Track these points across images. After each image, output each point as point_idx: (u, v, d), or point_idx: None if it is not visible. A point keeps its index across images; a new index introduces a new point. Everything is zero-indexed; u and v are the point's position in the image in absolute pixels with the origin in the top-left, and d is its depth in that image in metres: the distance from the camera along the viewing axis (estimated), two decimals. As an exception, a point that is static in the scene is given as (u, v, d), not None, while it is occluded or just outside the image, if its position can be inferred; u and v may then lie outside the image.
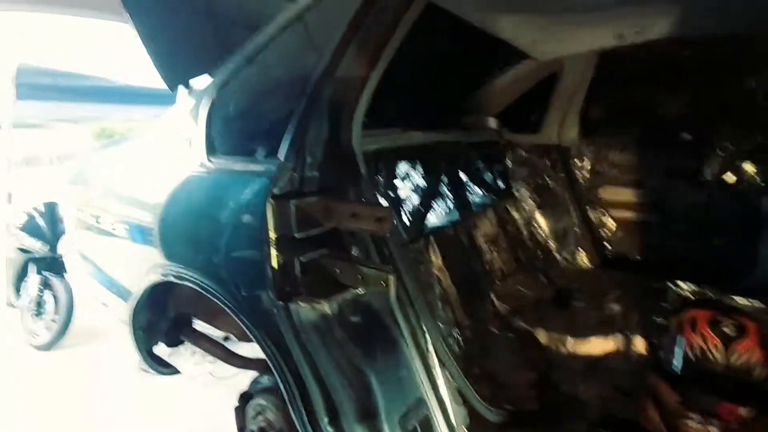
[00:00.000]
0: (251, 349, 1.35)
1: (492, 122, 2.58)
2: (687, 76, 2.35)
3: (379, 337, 0.98)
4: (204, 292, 1.10)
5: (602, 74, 2.54)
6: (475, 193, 2.30)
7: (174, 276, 1.22)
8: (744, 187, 2.22)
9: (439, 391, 1.02)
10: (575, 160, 2.65)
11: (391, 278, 0.86)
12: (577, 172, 2.65)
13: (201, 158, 1.26)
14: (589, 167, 2.63)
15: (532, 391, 1.38)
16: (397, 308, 1.00)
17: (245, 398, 1.37)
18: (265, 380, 1.34)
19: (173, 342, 1.60)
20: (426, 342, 1.03)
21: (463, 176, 2.25)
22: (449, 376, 1.09)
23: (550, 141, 2.67)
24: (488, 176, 2.48)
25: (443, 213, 1.95)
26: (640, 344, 1.57)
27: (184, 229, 1.27)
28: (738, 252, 2.22)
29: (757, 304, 1.83)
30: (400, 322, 1.00)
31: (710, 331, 1.29)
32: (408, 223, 1.67)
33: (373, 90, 1.05)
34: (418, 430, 0.95)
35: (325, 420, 0.91)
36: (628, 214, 2.52)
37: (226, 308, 1.05)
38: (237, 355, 1.50)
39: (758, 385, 1.23)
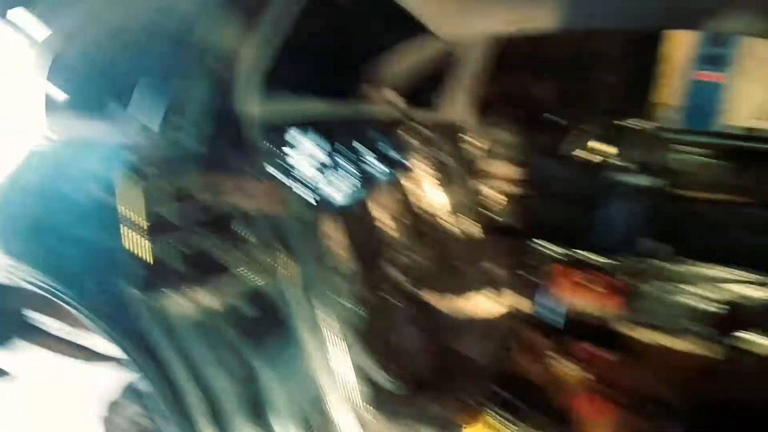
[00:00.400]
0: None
1: (391, 95, 2.56)
2: (558, 68, 2.67)
3: (271, 329, 0.89)
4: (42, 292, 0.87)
5: (495, 61, 2.72)
6: (377, 169, 2.28)
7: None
8: (595, 163, 2.63)
9: (340, 377, 0.98)
10: (469, 138, 2.80)
11: (286, 262, 0.77)
12: (470, 149, 2.80)
13: (41, 129, 0.99)
14: (480, 145, 2.81)
15: (432, 359, 1.44)
16: (292, 295, 0.91)
17: (115, 406, 1.17)
18: (141, 384, 1.16)
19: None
20: (325, 329, 0.97)
21: (363, 151, 2.20)
22: (352, 357, 1.06)
23: (448, 119, 2.78)
24: (388, 151, 2.47)
25: (345, 189, 1.89)
26: (516, 300, 1.75)
27: (22, 216, 1.00)
28: (589, 217, 2.64)
29: (603, 259, 2.17)
30: (296, 310, 0.92)
31: (575, 284, 1.48)
32: (306, 199, 1.57)
33: (270, 51, 0.91)
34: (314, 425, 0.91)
35: (205, 422, 0.80)
36: (512, 188, 2.78)
37: (71, 308, 0.85)
38: (88, 349, 1.27)
39: (615, 330, 1.47)
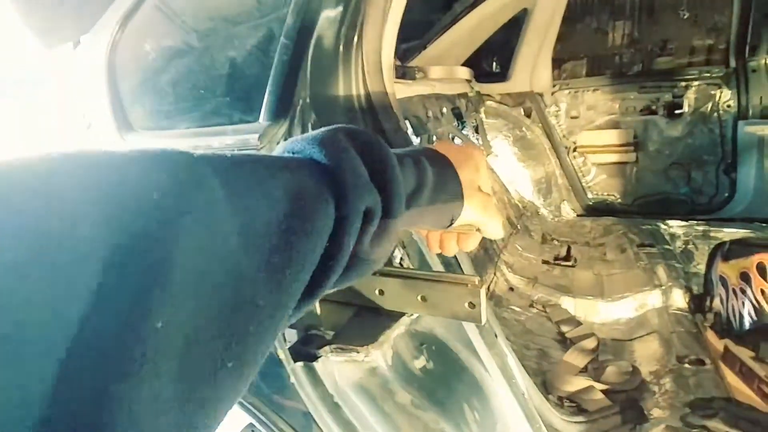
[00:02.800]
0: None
1: (463, 72, 2.24)
2: (658, 7, 2.21)
3: (456, 381, 0.63)
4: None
5: (571, 11, 2.32)
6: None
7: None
8: (719, 116, 2.17)
9: (536, 428, 0.71)
10: (549, 106, 2.43)
11: (482, 290, 0.51)
12: (552, 119, 2.43)
13: (111, 140, 0.78)
14: (564, 113, 2.43)
15: (591, 383, 1.14)
16: (474, 329, 0.65)
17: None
18: None
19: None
20: (509, 365, 0.70)
21: (447, 134, 1.92)
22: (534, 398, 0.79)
23: (522, 88, 2.42)
24: (465, 132, 2.16)
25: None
26: (679, 297, 1.40)
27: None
28: (717, 181, 2.19)
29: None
30: (479, 346, 0.66)
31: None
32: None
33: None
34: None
35: None
36: (606, 158, 2.38)
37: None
38: None
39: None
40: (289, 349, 0.54)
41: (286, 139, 0.59)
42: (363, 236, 0.31)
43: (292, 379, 0.59)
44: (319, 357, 0.58)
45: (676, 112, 2.21)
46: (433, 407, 0.58)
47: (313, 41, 0.64)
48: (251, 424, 1.02)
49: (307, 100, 0.60)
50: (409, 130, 1.48)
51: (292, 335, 0.55)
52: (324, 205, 0.28)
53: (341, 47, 0.64)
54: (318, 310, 0.56)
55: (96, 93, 0.89)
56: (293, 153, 0.31)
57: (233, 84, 0.71)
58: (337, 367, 0.58)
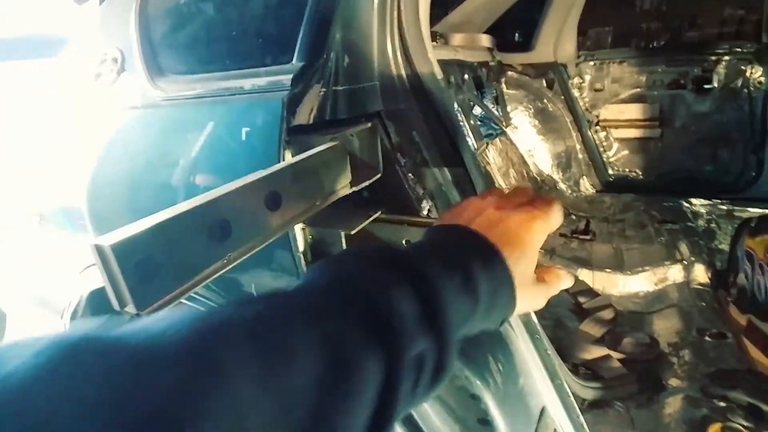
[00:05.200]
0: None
1: (485, 40, 2.14)
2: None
3: (482, 334, 0.62)
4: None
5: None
6: (479, 122, 1.92)
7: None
8: (750, 93, 2.06)
9: (557, 384, 0.69)
10: (573, 78, 2.32)
11: None
12: (575, 91, 2.33)
13: (140, 88, 0.75)
14: (587, 85, 2.32)
15: (608, 352, 1.12)
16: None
17: None
18: None
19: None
20: (533, 321, 0.68)
21: (465, 103, 1.85)
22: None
23: (546, 59, 2.31)
24: (485, 102, 2.09)
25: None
26: (701, 273, 1.36)
27: (131, 201, 0.78)
28: (744, 160, 2.10)
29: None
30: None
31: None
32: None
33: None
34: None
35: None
36: (630, 133, 2.29)
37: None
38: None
39: None
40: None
41: (319, 81, 0.56)
42: (414, 388, 0.26)
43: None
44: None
45: (705, 87, 2.09)
46: (459, 357, 0.56)
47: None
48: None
49: (342, 42, 0.56)
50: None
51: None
52: (366, 361, 0.23)
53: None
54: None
55: (123, 41, 0.86)
56: (325, 283, 0.26)
57: (266, 25, 0.67)
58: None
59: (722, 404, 0.90)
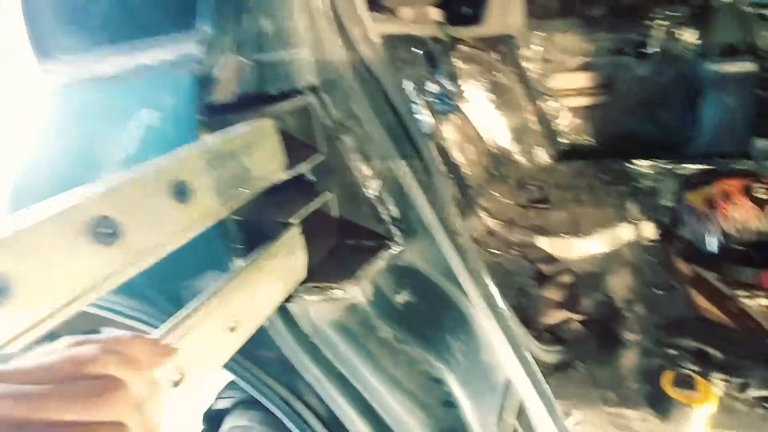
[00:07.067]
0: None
1: (435, 13, 2.08)
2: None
3: (441, 314, 0.59)
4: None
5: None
6: (435, 98, 1.88)
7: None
8: (683, 54, 2.14)
9: (521, 354, 0.68)
10: (522, 49, 2.32)
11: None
12: (525, 63, 2.33)
13: (30, 71, 0.64)
14: (537, 56, 2.33)
15: (568, 315, 1.14)
16: (457, 260, 0.59)
17: (215, 420, 0.94)
18: (237, 392, 0.91)
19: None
20: (493, 294, 0.66)
21: (420, 78, 1.80)
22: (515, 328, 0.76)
23: (496, 31, 2.29)
24: (440, 77, 2.05)
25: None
26: (649, 230, 1.41)
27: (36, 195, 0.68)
28: (681, 118, 2.20)
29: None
30: (462, 277, 0.61)
31: (746, 199, 1.13)
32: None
33: None
34: (518, 427, 0.63)
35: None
36: (579, 101, 2.33)
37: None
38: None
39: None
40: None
41: (238, 49, 0.48)
42: None
43: (265, 324, 0.53)
44: (292, 297, 0.52)
45: (643, 51, 2.16)
46: (417, 341, 0.53)
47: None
48: (233, 382, 0.98)
49: (259, 3, 0.49)
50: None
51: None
52: None
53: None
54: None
55: (10, 23, 0.73)
56: None
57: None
58: (313, 306, 0.52)
59: (674, 352, 0.94)
